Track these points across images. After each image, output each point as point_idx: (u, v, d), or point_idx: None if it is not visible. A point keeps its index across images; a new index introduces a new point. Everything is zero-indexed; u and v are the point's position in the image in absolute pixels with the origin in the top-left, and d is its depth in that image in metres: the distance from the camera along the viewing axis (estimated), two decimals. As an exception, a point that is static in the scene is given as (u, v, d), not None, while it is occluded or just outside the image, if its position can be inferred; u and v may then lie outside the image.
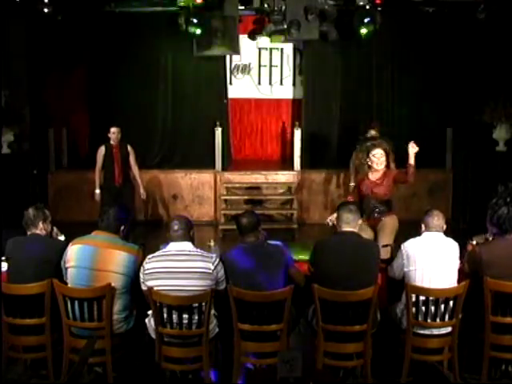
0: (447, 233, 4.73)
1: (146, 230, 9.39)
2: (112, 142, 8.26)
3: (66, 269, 4.50)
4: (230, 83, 11.24)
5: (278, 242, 4.66)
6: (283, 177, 10.25)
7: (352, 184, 8.23)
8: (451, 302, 4.44)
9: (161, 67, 10.68)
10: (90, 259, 4.43)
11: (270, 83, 11.43)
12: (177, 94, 10.72)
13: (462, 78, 10.17)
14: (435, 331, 4.53)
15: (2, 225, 5.55)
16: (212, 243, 5.07)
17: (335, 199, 9.83)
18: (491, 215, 4.65)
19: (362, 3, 8.80)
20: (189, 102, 10.71)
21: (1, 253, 4.72)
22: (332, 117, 10.75)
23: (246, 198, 10.02)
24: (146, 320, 4.50)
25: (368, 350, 4.42)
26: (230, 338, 4.45)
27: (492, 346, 4.54)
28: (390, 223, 6.20)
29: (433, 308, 4.44)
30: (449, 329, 4.52)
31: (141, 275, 4.40)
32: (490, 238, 4.82)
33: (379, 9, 9.01)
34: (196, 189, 10.25)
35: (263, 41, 10.77)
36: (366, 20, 8.92)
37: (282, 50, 11.27)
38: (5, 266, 4.72)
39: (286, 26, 9.08)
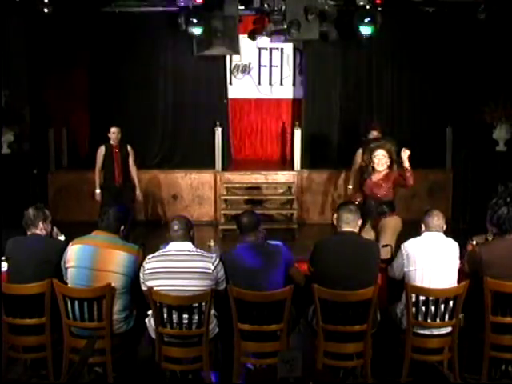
0: (447, 233, 4.73)
1: (146, 230, 9.39)
2: (112, 142, 8.26)
3: (66, 269, 4.50)
4: (230, 83, 11.23)
5: (278, 242, 4.65)
6: (283, 177, 10.24)
7: (350, 186, 8.20)
8: (451, 302, 4.44)
9: (161, 67, 10.67)
10: (90, 259, 4.43)
11: (270, 83, 11.42)
12: (177, 94, 10.71)
13: (462, 78, 10.17)
14: (435, 331, 4.53)
15: (2, 225, 5.55)
16: (212, 243, 5.07)
17: (335, 199, 9.83)
18: (491, 215, 4.66)
19: (362, 3, 8.79)
20: (189, 102, 10.70)
21: (1, 253, 4.72)
22: (332, 117, 10.73)
23: (246, 197, 10.02)
24: (146, 320, 4.50)
25: (368, 350, 4.42)
26: (230, 338, 4.45)
27: (492, 346, 4.55)
28: (391, 223, 6.20)
29: (433, 308, 4.44)
30: (449, 329, 4.52)
31: (141, 275, 4.40)
32: (490, 238, 4.82)
33: (379, 9, 9.01)
34: (196, 189, 10.25)
35: (263, 41, 10.76)
36: (366, 20, 8.91)
37: (282, 49, 11.26)
38: (5, 266, 4.72)
39: (285, 26, 9.07)
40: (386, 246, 5.56)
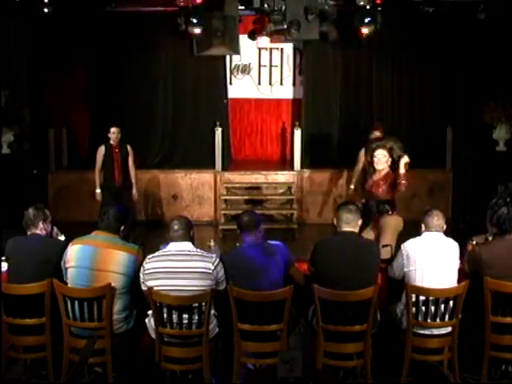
0: (447, 233, 4.73)
1: (146, 230, 9.39)
2: (112, 142, 8.27)
3: (66, 269, 4.50)
4: (230, 83, 11.23)
5: (277, 242, 4.66)
6: (283, 177, 10.24)
7: (352, 186, 8.20)
8: (451, 302, 4.44)
9: (161, 67, 10.67)
10: (90, 259, 4.43)
11: (270, 83, 11.42)
12: (177, 94, 10.71)
13: (462, 78, 10.18)
14: (435, 331, 4.53)
15: (2, 225, 5.55)
16: (212, 243, 5.06)
17: (335, 199, 9.83)
18: (491, 215, 4.66)
19: (362, 3, 8.80)
20: (189, 102, 10.71)
21: (1, 253, 4.72)
22: (332, 117, 10.73)
23: (246, 198, 10.02)
24: (146, 320, 4.50)
25: (368, 350, 4.42)
26: (230, 338, 4.45)
27: (492, 346, 4.55)
28: (391, 223, 6.19)
29: (433, 308, 4.44)
30: (449, 329, 4.52)
31: (141, 275, 4.40)
32: (490, 238, 4.82)
33: (379, 9, 9.01)
34: (196, 189, 10.25)
35: (263, 41, 10.76)
36: (366, 20, 8.92)
37: (281, 49, 11.26)
38: (5, 265, 4.72)
39: (285, 26, 9.07)
40: (386, 245, 5.56)
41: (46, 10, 8.76)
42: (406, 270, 4.62)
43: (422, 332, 4.53)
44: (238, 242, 4.64)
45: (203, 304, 4.26)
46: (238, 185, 10.16)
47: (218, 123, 10.18)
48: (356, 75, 10.69)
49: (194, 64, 10.44)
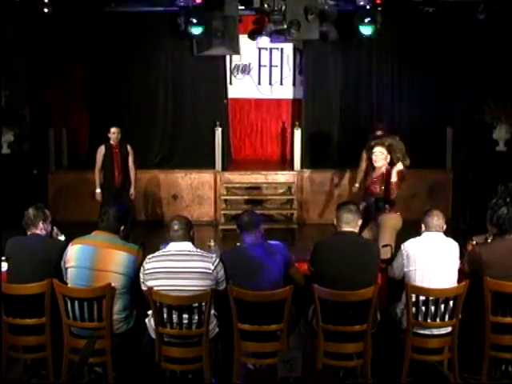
0: (447, 233, 4.73)
1: (146, 230, 9.40)
2: (112, 142, 8.27)
3: (66, 269, 4.50)
4: (230, 83, 11.23)
5: (277, 242, 4.66)
6: (283, 177, 10.25)
7: (356, 185, 8.22)
8: (451, 302, 4.44)
9: (161, 67, 10.67)
10: (90, 259, 4.43)
11: (270, 83, 11.42)
12: (177, 94, 10.71)
13: (462, 78, 10.17)
14: (435, 331, 4.53)
15: (2, 225, 5.55)
16: (212, 243, 5.06)
17: (335, 199, 9.83)
18: (491, 215, 4.66)
19: (362, 3, 8.80)
20: (189, 101, 10.71)
21: (1, 253, 4.72)
22: (332, 117, 10.73)
23: (246, 198, 10.02)
24: (146, 320, 4.50)
25: (368, 350, 4.42)
26: (230, 338, 4.45)
27: (492, 346, 4.55)
28: (390, 222, 6.18)
29: (433, 308, 4.44)
30: (449, 329, 4.52)
31: (141, 275, 4.40)
32: (490, 238, 4.82)
33: (379, 9, 9.00)
34: (196, 189, 10.25)
35: (263, 41, 10.76)
36: (366, 20, 8.92)
37: (282, 49, 11.26)
38: (5, 265, 4.72)
39: (285, 26, 9.06)
40: (386, 245, 5.56)
41: (46, 10, 8.76)
42: (406, 269, 4.62)
43: (422, 332, 4.53)
44: (239, 242, 4.64)
45: (203, 304, 4.26)
46: (238, 185, 10.16)
47: (217, 123, 10.19)
48: (356, 75, 10.69)
49: (193, 64, 10.44)
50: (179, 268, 4.31)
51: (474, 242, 4.93)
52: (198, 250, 4.44)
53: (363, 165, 8.00)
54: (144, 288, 4.38)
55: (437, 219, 4.64)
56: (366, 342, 4.41)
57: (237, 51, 10.14)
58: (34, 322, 4.52)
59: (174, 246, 4.40)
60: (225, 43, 9.69)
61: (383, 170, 6.31)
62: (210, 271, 4.32)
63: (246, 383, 4.48)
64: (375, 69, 10.66)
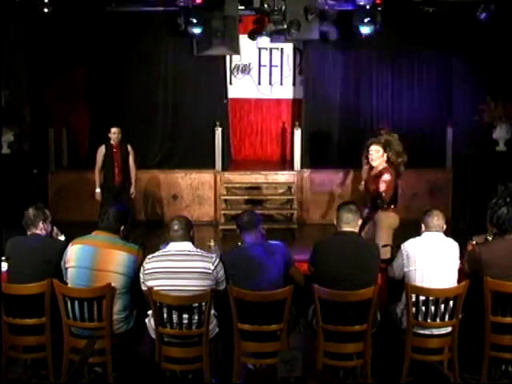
0: (447, 233, 4.73)
1: (146, 230, 9.40)
2: (112, 142, 8.28)
3: (66, 269, 4.50)
4: (230, 83, 11.23)
5: (278, 242, 4.66)
6: (283, 177, 10.24)
7: (362, 183, 8.21)
8: (451, 302, 4.44)
9: (161, 67, 10.67)
10: (90, 259, 4.43)
11: (270, 83, 11.43)
12: (177, 94, 10.71)
13: (462, 78, 10.17)
14: (435, 331, 4.53)
15: (2, 225, 5.55)
16: (212, 243, 5.06)
17: (335, 199, 9.83)
18: (491, 215, 4.66)
19: (362, 3, 8.80)
20: (189, 101, 10.70)
21: (1, 253, 4.72)
22: (332, 117, 10.73)
23: (246, 197, 10.02)
24: (146, 320, 4.50)
25: (368, 350, 4.42)
26: (230, 338, 4.45)
27: (492, 346, 4.55)
28: (386, 221, 6.17)
29: (433, 308, 4.44)
30: (449, 329, 4.52)
31: (141, 275, 4.40)
32: (490, 238, 4.82)
33: (379, 9, 9.01)
34: (196, 189, 10.25)
35: (263, 41, 10.76)
36: (366, 20, 8.92)
37: (282, 49, 11.26)
38: (5, 266, 4.72)
39: (285, 26, 9.07)
40: (386, 245, 5.56)
41: (46, 10, 8.76)
42: (406, 269, 4.62)
43: (422, 332, 4.53)
44: (238, 241, 4.64)
45: (203, 304, 4.26)
46: (238, 185, 10.16)
47: (218, 123, 10.19)
48: (356, 75, 10.69)
49: (194, 64, 10.44)
50: (179, 268, 4.31)
51: (474, 242, 4.93)
52: (198, 250, 4.44)
53: (365, 164, 8.01)
54: (144, 288, 4.38)
55: (437, 219, 4.64)
56: (365, 342, 4.41)
57: (237, 51, 10.14)
58: (34, 322, 4.51)
59: (173, 246, 4.40)
60: (225, 43, 9.70)
61: (380, 168, 6.30)
62: (210, 271, 4.32)
63: (246, 383, 4.48)
64: (375, 69, 10.66)
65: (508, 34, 9.14)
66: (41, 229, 4.72)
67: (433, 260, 4.55)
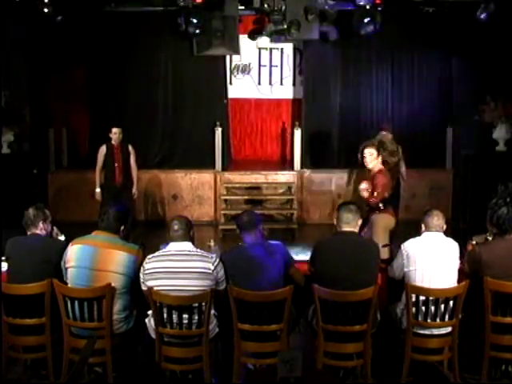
0: (447, 233, 4.73)
1: (146, 230, 9.40)
2: (113, 142, 8.28)
3: (66, 269, 4.50)
4: (230, 83, 11.24)
5: (277, 242, 4.66)
6: (283, 177, 10.25)
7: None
8: (451, 302, 4.44)
9: (161, 67, 10.67)
10: (90, 259, 4.43)
11: (270, 83, 11.43)
12: (177, 94, 10.71)
13: (462, 78, 10.17)
14: (435, 331, 4.53)
15: (2, 225, 5.55)
16: (212, 243, 5.07)
17: (335, 199, 9.83)
18: (491, 215, 4.66)
19: (362, 3, 8.79)
20: (189, 102, 10.70)
21: (1, 253, 4.72)
22: (332, 117, 10.73)
23: (246, 198, 10.02)
24: (146, 320, 4.50)
25: (368, 349, 4.42)
26: (230, 338, 4.45)
27: (492, 346, 4.55)
28: (381, 222, 6.16)
29: (433, 308, 4.44)
30: (449, 329, 4.52)
31: (141, 275, 4.40)
32: (490, 238, 4.82)
33: (379, 9, 9.00)
34: (196, 189, 10.25)
35: (263, 41, 10.77)
36: (366, 20, 8.91)
37: (282, 49, 11.27)
38: (5, 266, 4.72)
39: (285, 26, 9.07)
40: (385, 245, 5.55)
41: (46, 10, 8.76)
42: (406, 269, 4.62)
43: (422, 332, 4.53)
44: (238, 241, 4.64)
45: (203, 304, 4.26)
46: (238, 185, 10.16)
47: (218, 123, 10.19)
48: (356, 75, 10.69)
49: (194, 64, 10.43)
50: (179, 268, 4.31)
51: (474, 242, 4.93)
52: (198, 250, 4.44)
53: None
54: (144, 288, 4.38)
55: (437, 219, 4.64)
56: (366, 342, 4.41)
57: (237, 51, 10.15)
58: (34, 322, 4.51)
59: (174, 246, 4.40)
60: (225, 43, 9.71)
61: (376, 169, 6.30)
62: (210, 271, 4.33)
63: (246, 383, 4.48)
64: (375, 69, 10.66)
65: (508, 34, 9.13)
66: (41, 229, 4.72)
67: (433, 260, 4.54)
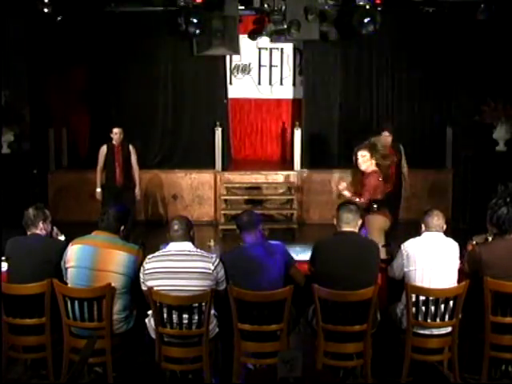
0: (447, 233, 4.73)
1: (146, 230, 9.39)
2: (114, 142, 8.28)
3: (66, 269, 4.50)
4: (230, 83, 11.23)
5: (277, 242, 4.66)
6: (283, 177, 10.24)
7: None
8: (451, 302, 4.44)
9: (161, 67, 10.67)
10: (90, 259, 4.43)
11: (270, 83, 11.42)
12: (177, 94, 10.71)
13: (462, 78, 10.17)
14: (435, 331, 4.54)
15: (1, 225, 5.55)
16: (212, 243, 5.07)
17: (335, 199, 9.82)
18: (491, 215, 4.66)
19: (361, 3, 8.79)
20: (189, 102, 10.70)
21: (1, 253, 4.72)
22: (332, 117, 10.73)
23: (246, 197, 10.02)
24: (146, 320, 4.50)
25: (368, 349, 4.42)
26: (230, 338, 4.45)
27: (492, 346, 4.55)
28: (376, 223, 6.16)
29: (433, 308, 4.44)
30: (449, 329, 4.52)
31: (141, 275, 4.40)
32: (490, 238, 4.82)
33: (379, 9, 9.00)
34: (196, 189, 10.25)
35: (263, 41, 10.77)
36: (366, 20, 8.91)
37: (282, 49, 11.26)
38: (5, 265, 4.72)
39: (285, 26, 9.06)
40: (382, 246, 5.55)
41: (46, 10, 8.75)
42: (406, 269, 4.62)
43: (422, 332, 4.53)
44: (238, 241, 4.64)
45: (203, 304, 4.26)
46: (238, 185, 10.16)
47: (218, 123, 10.19)
48: (356, 75, 10.69)
49: (194, 64, 10.43)
50: (179, 268, 4.31)
51: (474, 242, 4.93)
52: (198, 250, 4.44)
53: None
54: (144, 288, 4.38)
55: (437, 219, 4.64)
56: (366, 342, 4.41)
57: (237, 51, 10.14)
58: (34, 322, 4.52)
59: (174, 246, 4.40)
60: (225, 43, 9.70)
61: (368, 171, 6.30)
62: (210, 271, 4.33)
63: (246, 383, 4.48)
64: (375, 69, 10.66)
65: (508, 34, 9.13)
66: (41, 229, 4.72)
67: (433, 260, 4.55)
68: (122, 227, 4.60)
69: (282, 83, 11.41)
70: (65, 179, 10.26)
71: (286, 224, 9.66)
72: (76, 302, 4.38)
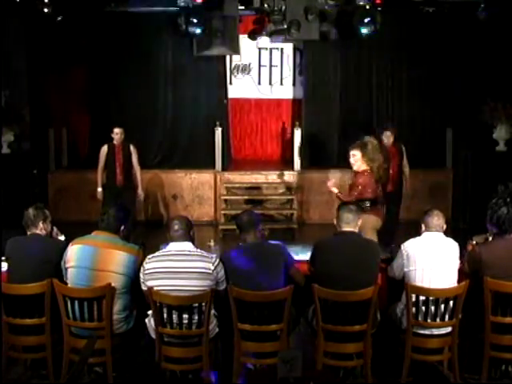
0: (447, 233, 4.73)
1: (146, 230, 9.39)
2: (115, 142, 8.29)
3: (66, 269, 4.50)
4: (230, 83, 11.24)
5: (278, 242, 4.66)
6: (283, 177, 10.24)
7: None
8: (451, 302, 4.44)
9: (161, 67, 10.68)
10: (90, 259, 4.43)
11: (270, 83, 11.43)
12: (177, 94, 10.72)
13: (462, 78, 10.18)
14: (435, 331, 4.53)
15: (1, 225, 5.55)
16: (212, 243, 5.07)
17: (335, 199, 9.81)
18: (491, 215, 4.65)
19: (361, 3, 8.79)
20: (189, 101, 10.71)
21: (1, 253, 4.72)
22: (332, 117, 10.74)
23: (246, 197, 10.02)
24: (146, 320, 4.50)
25: (368, 350, 4.42)
26: (230, 338, 4.45)
27: (492, 346, 4.55)
28: (367, 221, 6.13)
29: (433, 308, 4.44)
30: (449, 329, 4.52)
31: (141, 275, 4.40)
32: (490, 238, 4.82)
33: (379, 9, 9.00)
34: (196, 189, 10.25)
35: (263, 41, 10.77)
36: (366, 20, 8.90)
37: (282, 49, 11.27)
38: (5, 265, 4.72)
39: (286, 26, 9.06)
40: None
41: (46, 11, 8.75)
42: (406, 269, 4.62)
43: (422, 332, 4.53)
44: (238, 241, 4.64)
45: (203, 304, 4.26)
46: (238, 185, 10.16)
47: (217, 123, 10.19)
48: (356, 75, 10.70)
49: (194, 64, 10.44)
50: (179, 268, 4.31)
51: (474, 242, 4.93)
52: (198, 250, 4.44)
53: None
54: (144, 288, 4.38)
55: (437, 219, 4.64)
56: (365, 342, 4.41)
57: (237, 51, 10.14)
58: (34, 322, 4.51)
59: (174, 246, 4.40)
60: (225, 43, 9.69)
61: (360, 171, 6.29)
62: (210, 271, 4.33)
63: (246, 383, 4.48)
64: (375, 69, 10.67)
65: (508, 34, 9.13)
66: (41, 229, 4.72)
67: (433, 260, 4.55)
68: (122, 227, 4.60)
69: (281, 83, 11.42)
70: (65, 179, 10.26)
71: (286, 224, 9.67)
72: (76, 302, 4.38)
